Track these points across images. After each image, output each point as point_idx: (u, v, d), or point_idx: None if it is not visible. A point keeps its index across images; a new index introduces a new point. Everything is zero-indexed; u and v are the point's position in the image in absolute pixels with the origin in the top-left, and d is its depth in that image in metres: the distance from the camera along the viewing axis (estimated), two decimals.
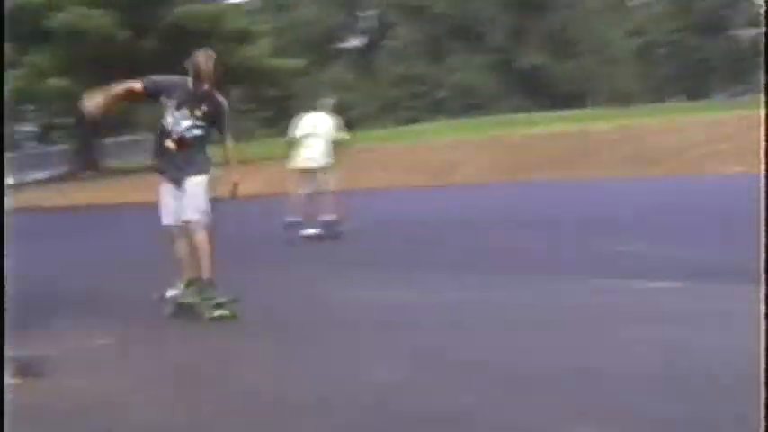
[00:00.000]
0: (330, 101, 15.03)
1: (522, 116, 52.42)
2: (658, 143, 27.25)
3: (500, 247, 11.86)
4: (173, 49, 29.45)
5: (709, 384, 4.51)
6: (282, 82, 53.91)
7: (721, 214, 13.51)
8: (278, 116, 69.16)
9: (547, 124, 35.76)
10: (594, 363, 5.13)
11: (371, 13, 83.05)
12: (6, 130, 5.66)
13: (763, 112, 2.77)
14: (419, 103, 71.79)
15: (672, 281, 7.75)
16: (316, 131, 14.22)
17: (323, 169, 14.21)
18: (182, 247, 7.66)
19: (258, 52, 44.60)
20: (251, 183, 31.01)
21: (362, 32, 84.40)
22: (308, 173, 14.25)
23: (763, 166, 2.79)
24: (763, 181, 2.57)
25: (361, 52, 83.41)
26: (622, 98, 71.86)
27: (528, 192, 23.12)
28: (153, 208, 7.75)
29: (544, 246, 11.68)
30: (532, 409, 4.28)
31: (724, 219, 12.85)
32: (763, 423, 2.45)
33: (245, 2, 59.80)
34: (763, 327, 2.41)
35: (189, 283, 7.65)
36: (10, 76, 33.20)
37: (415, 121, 63.39)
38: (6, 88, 7.63)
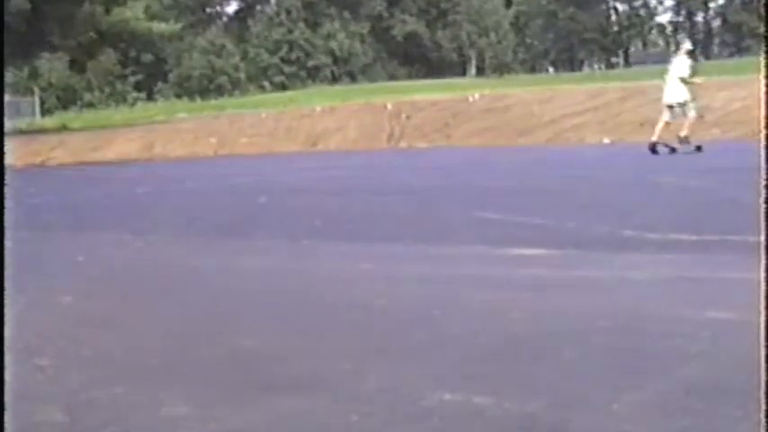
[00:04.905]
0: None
1: (397, 84, 52.55)
2: (531, 113, 27.59)
3: (362, 212, 11.62)
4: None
5: (582, 350, 4.53)
6: (156, 46, 52.85)
7: (590, 185, 13.64)
8: (149, 80, 67.86)
9: (422, 92, 35.84)
10: (466, 328, 5.09)
11: None
12: None
13: (763, 90, 2.83)
14: (293, 69, 71.39)
15: (538, 248, 7.75)
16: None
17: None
18: None
19: (131, 15, 43.57)
20: (128, 144, 30.46)
21: None
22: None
23: (763, 146, 2.86)
24: (763, 165, 2.62)
25: (237, 17, 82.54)
26: (498, 67, 72.76)
27: (399, 159, 23.19)
28: None
29: (407, 212, 11.36)
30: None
31: (593, 189, 13.02)
32: (763, 424, 2.50)
33: None
34: (763, 323, 2.49)
35: None
36: None
37: (288, 87, 63.00)
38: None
